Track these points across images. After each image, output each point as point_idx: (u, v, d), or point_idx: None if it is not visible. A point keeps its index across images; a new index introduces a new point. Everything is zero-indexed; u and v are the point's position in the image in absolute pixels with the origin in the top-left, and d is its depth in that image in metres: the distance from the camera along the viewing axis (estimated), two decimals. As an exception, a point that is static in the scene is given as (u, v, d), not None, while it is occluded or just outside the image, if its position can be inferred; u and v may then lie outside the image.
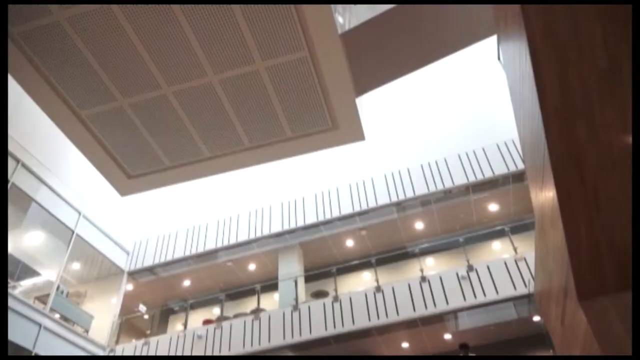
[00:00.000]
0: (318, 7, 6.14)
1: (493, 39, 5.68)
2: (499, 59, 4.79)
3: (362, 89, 7.56)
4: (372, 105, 11.36)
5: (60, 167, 11.65)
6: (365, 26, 6.87)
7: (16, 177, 10.21)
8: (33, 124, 10.32)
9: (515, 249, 10.70)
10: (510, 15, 3.00)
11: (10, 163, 10.11)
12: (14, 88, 7.18)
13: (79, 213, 12.17)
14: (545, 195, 3.06)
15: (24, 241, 11.56)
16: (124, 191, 8.80)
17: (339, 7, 7.08)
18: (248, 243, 13.61)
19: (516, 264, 10.23)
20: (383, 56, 7.29)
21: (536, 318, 10.09)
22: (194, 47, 6.49)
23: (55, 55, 6.52)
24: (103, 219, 13.15)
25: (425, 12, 6.81)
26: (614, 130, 2.33)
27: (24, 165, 10.48)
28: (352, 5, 7.70)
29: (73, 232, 11.92)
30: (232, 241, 13.58)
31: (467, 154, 12.51)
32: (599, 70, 2.30)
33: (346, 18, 7.23)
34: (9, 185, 9.97)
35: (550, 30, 2.38)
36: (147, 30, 6.27)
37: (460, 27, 7.13)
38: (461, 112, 13.64)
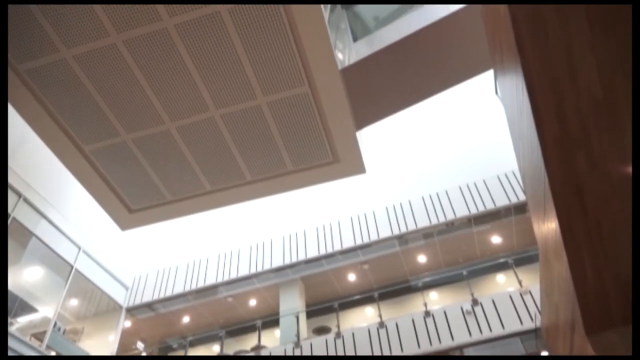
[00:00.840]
0: (319, 43, 6.29)
1: (491, 72, 5.77)
2: (496, 92, 4.86)
3: (362, 123, 7.65)
4: (372, 137, 11.46)
5: (61, 201, 11.66)
6: (364, 62, 7.02)
7: (17, 211, 10.20)
8: (37, 159, 10.39)
9: (520, 282, 10.55)
10: (505, 50, 3.06)
11: (12, 197, 10.12)
12: (19, 123, 7.27)
13: (79, 248, 12.10)
14: (547, 227, 3.05)
15: (23, 277, 11.45)
16: (124, 225, 8.77)
17: (339, 44, 7.25)
18: (249, 278, 13.45)
19: (522, 297, 10.07)
20: (382, 91, 7.40)
21: (544, 353, 9.84)
22: (196, 83, 6.61)
23: (61, 92, 6.64)
24: (103, 253, 13.05)
25: (423, 48, 6.96)
26: (613, 161, 2.34)
27: (25, 200, 10.48)
28: (352, 42, 7.89)
29: (72, 267, 11.81)
30: (233, 276, 13.43)
31: (467, 186, 12.52)
32: (595, 102, 2.33)
33: (346, 55, 7.40)
34: (10, 219, 9.95)
35: (545, 63, 2.43)
36: (151, 67, 6.41)
37: (457, 62, 7.27)
38: (461, 143, 13.74)
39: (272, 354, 11.33)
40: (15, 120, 7.19)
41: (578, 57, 2.34)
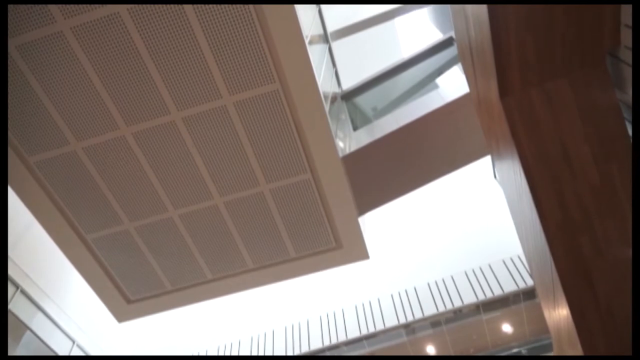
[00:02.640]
0: (320, 133, 6.53)
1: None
2: (495, 177, 4.96)
3: (364, 208, 7.69)
4: (375, 222, 11.46)
5: (59, 292, 11.41)
6: (364, 150, 7.23)
7: (14, 303, 9.95)
8: (36, 248, 10.34)
9: (535, 374, 9.98)
10: (501, 138, 3.17)
11: (10, 289, 9.92)
12: (22, 213, 7.33)
13: (73, 342, 11.63)
14: (559, 314, 2.95)
15: (12, 374, 10.88)
16: (121, 317, 8.50)
17: (340, 132, 7.52)
18: (249, 372, 12.76)
19: (539, 391, 9.46)
20: (383, 177, 7.54)
21: None
22: (201, 173, 6.77)
23: (67, 182, 6.77)
24: (97, 347, 12.51)
25: (420, 136, 7.21)
26: (618, 245, 2.33)
27: (22, 292, 10.27)
28: (352, 131, 8.19)
29: (64, 363, 11.26)
30: (233, 370, 12.76)
31: (474, 271, 12.29)
32: (593, 187, 2.37)
33: (346, 143, 7.64)
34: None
35: (540, 150, 2.51)
36: (158, 157, 6.60)
37: (455, 148, 7.48)
38: (464, 227, 13.71)
39: None
40: (18, 210, 7.26)
41: (572, 146, 2.42)
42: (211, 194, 7.00)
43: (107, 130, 6.33)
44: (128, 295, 8.14)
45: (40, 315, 10.71)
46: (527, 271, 11.46)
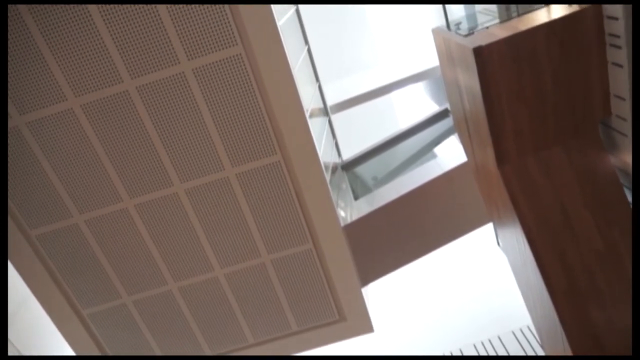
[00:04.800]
0: (321, 203, 6.58)
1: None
2: (498, 244, 4.94)
3: (367, 279, 7.57)
4: (379, 294, 11.21)
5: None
6: (365, 219, 7.24)
7: (2, 385, 9.49)
8: (32, 326, 10.03)
9: None
10: (501, 206, 3.20)
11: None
12: (17, 289, 7.21)
13: None
14: (575, 388, 2.82)
15: None
16: (115, 399, 8.07)
17: (341, 202, 7.58)
18: None
19: None
20: (385, 246, 7.49)
21: None
22: (202, 242, 6.74)
23: (67, 256, 6.73)
24: None
25: (420, 205, 7.25)
26: (627, 310, 2.28)
27: (13, 372, 9.83)
28: (353, 201, 8.25)
29: None
30: None
31: (482, 343, 11.82)
32: (598, 252, 2.36)
33: (347, 212, 7.67)
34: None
35: (541, 217, 2.53)
36: (160, 230, 6.61)
37: (456, 216, 7.49)
38: (471, 297, 13.38)
39: None
40: (12, 287, 7.14)
41: (572, 212, 2.44)
42: (212, 265, 6.93)
43: (110, 202, 6.40)
44: (123, 374, 7.79)
45: (29, 397, 10.18)
46: (538, 342, 11.04)
